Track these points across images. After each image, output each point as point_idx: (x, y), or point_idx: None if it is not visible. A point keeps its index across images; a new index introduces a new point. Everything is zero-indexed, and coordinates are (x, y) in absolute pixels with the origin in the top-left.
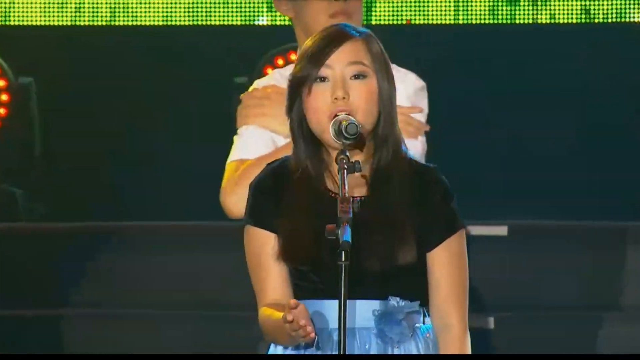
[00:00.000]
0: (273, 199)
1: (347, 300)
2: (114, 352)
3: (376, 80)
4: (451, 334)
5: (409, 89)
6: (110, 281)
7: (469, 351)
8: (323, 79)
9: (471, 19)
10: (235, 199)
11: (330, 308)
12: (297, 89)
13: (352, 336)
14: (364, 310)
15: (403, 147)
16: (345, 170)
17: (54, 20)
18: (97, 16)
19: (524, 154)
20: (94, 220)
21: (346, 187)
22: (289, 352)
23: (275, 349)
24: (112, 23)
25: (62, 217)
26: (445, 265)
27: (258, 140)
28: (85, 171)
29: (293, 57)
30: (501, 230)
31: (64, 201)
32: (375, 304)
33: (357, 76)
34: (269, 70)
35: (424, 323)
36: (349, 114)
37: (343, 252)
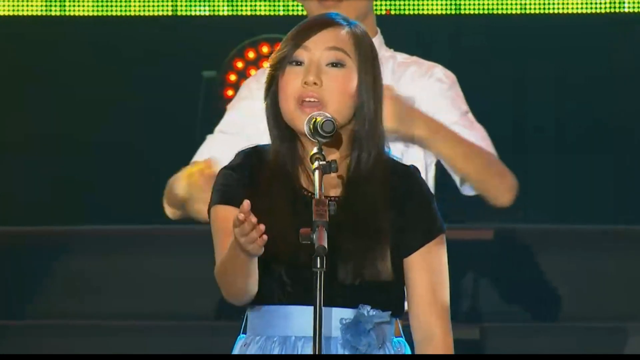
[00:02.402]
0: (246, 181)
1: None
2: None
3: (357, 72)
4: (433, 343)
5: (434, 87)
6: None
7: None
8: (299, 63)
9: (458, 9)
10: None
11: (296, 314)
12: (274, 72)
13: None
14: (332, 319)
15: (385, 147)
16: (320, 171)
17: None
18: (57, 6)
19: (511, 153)
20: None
21: (322, 189)
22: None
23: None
24: (69, 14)
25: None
26: (425, 272)
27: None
28: (22, 171)
29: (265, 49)
30: (487, 235)
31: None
32: (344, 312)
33: (334, 64)
34: (239, 64)
35: (395, 336)
36: (317, 101)
37: (318, 258)
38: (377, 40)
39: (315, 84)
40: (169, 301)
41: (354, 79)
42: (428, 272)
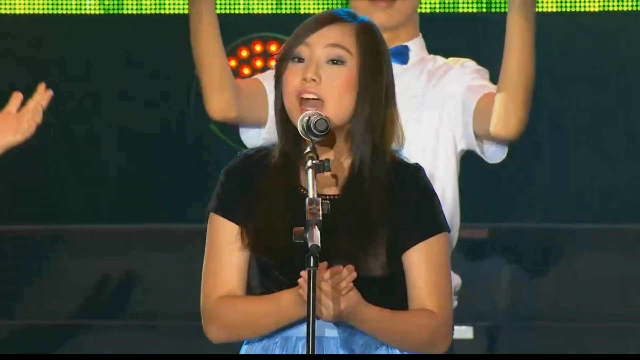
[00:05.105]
0: (242, 188)
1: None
2: None
3: (357, 70)
4: (420, 310)
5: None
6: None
7: (445, 344)
8: (300, 59)
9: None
10: None
11: None
12: (279, 69)
13: (318, 346)
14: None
15: (393, 145)
16: (312, 170)
17: None
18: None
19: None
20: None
21: (315, 188)
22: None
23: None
24: (64, 12)
25: None
26: (422, 267)
27: None
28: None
29: (258, 47)
30: (481, 234)
31: None
32: None
33: (334, 61)
34: (232, 62)
35: None
36: (316, 98)
37: (312, 257)
38: (419, 43)
39: (313, 80)
40: (169, 301)
41: (354, 77)
42: (425, 266)
